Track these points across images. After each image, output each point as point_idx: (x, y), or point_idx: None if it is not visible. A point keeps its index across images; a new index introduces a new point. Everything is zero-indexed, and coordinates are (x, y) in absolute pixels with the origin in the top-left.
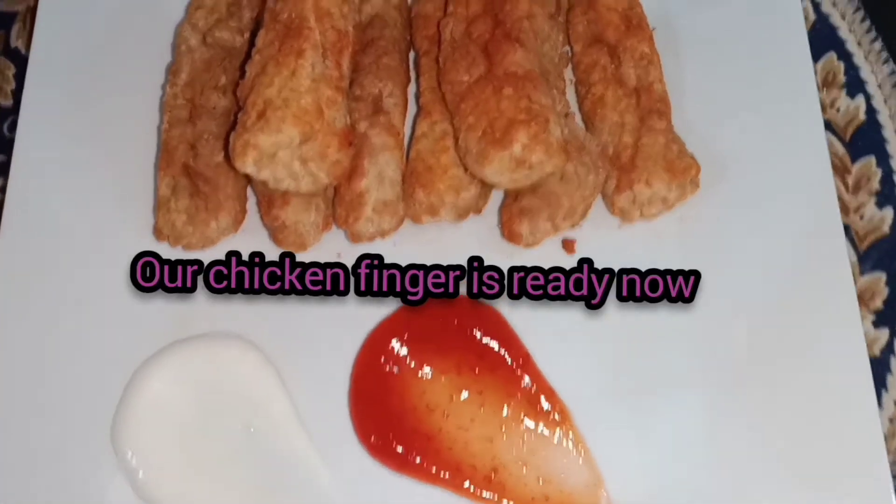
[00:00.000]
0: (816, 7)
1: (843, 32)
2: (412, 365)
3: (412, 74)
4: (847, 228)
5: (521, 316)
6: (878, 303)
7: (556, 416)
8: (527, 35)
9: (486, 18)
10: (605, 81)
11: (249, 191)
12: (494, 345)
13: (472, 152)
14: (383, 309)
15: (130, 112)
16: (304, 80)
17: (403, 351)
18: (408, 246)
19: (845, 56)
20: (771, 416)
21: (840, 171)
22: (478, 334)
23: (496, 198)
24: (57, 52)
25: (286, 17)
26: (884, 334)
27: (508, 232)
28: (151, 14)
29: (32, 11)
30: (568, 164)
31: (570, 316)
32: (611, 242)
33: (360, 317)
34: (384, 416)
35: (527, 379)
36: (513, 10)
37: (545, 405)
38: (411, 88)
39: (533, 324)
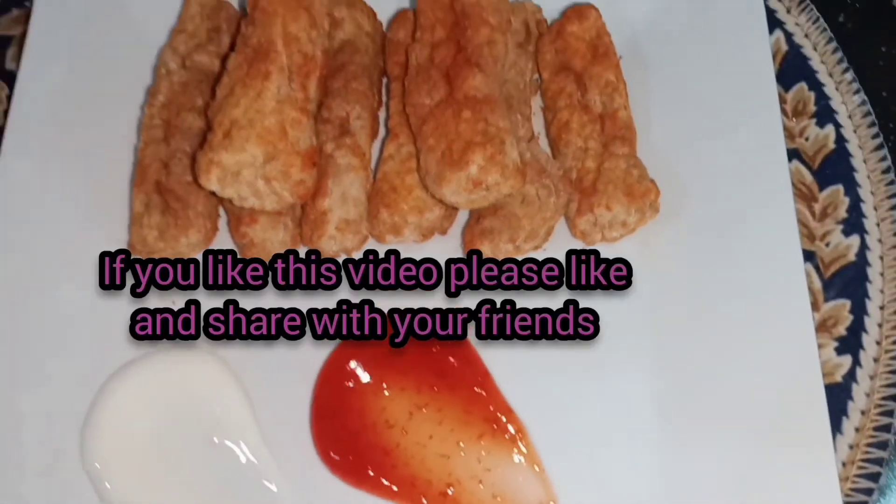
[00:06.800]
0: (789, 38)
1: (815, 63)
2: (372, 382)
3: (386, 98)
4: (812, 255)
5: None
6: (840, 329)
7: (513, 434)
8: (486, 61)
9: (448, 44)
10: (571, 108)
11: (221, 209)
12: (454, 363)
13: (431, 173)
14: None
15: (110, 132)
16: (269, 102)
17: (364, 369)
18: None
19: (816, 86)
20: (724, 445)
21: (807, 198)
22: (438, 353)
23: (464, 218)
24: (44, 74)
25: (255, 41)
26: (846, 361)
27: (468, 253)
28: (135, 39)
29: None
30: (529, 187)
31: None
32: None
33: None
34: (343, 432)
35: (485, 397)
36: (474, 36)
37: (503, 423)
38: (383, 113)
39: (493, 344)
